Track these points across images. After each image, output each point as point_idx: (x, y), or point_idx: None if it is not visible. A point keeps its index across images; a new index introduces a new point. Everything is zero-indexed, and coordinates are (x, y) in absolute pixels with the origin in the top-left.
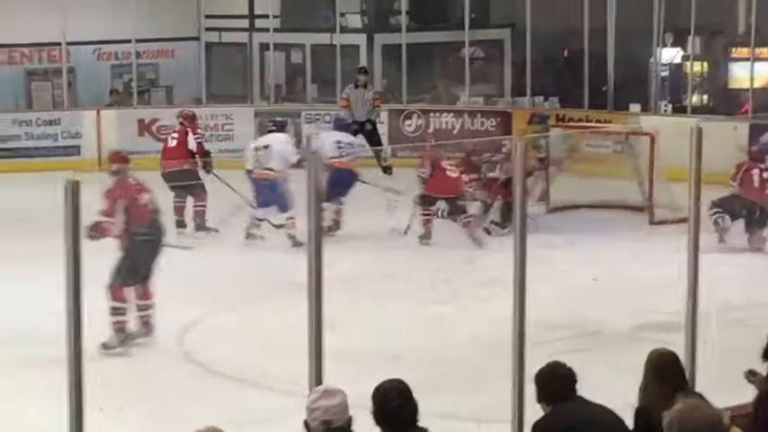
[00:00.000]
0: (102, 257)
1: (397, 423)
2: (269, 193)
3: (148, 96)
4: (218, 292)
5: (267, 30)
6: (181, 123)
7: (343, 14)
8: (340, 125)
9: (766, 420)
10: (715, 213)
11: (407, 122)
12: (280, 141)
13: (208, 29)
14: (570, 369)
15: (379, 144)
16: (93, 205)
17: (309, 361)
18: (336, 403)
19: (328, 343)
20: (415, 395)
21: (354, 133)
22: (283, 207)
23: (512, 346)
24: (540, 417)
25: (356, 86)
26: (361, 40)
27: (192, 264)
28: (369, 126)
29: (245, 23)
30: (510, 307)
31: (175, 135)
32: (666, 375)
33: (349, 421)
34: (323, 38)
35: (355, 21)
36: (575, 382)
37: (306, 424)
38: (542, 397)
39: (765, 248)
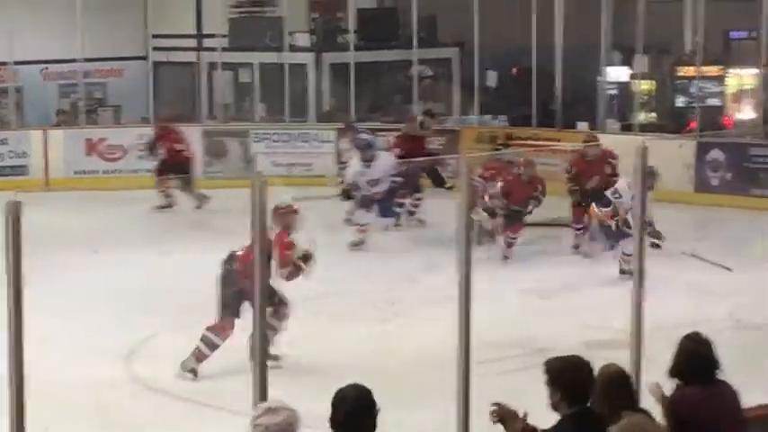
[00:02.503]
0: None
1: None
2: None
3: (96, 116)
4: (164, 311)
5: (215, 49)
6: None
7: (291, 33)
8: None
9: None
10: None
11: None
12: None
13: (156, 48)
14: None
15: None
16: (36, 224)
17: (254, 378)
18: (279, 421)
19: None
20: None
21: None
22: None
23: (457, 364)
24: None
25: (420, 126)
26: (308, 59)
27: (137, 283)
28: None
29: (193, 43)
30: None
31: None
32: (614, 392)
33: None
34: (271, 57)
35: (303, 39)
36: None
37: None
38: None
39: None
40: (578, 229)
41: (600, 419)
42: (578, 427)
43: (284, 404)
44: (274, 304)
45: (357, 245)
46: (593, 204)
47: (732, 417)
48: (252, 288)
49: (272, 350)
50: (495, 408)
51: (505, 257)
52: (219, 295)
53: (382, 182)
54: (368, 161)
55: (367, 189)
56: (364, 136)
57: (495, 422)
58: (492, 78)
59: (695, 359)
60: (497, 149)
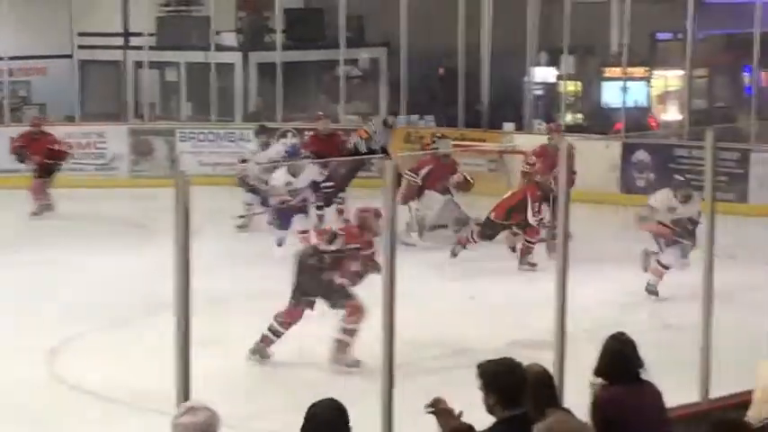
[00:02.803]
0: None
1: None
2: None
3: (21, 114)
4: (89, 311)
5: (141, 48)
6: None
7: (218, 33)
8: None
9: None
10: None
11: (282, 141)
12: None
13: (81, 46)
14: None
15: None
16: None
17: (177, 379)
18: (200, 421)
19: (198, 362)
20: (283, 415)
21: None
22: None
23: (381, 365)
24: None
25: (384, 125)
26: (236, 58)
27: (61, 284)
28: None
29: (119, 41)
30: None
31: None
32: (537, 391)
33: None
34: (197, 56)
35: (230, 39)
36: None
37: None
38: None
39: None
40: (531, 243)
41: (532, 423)
42: (513, 431)
43: (204, 404)
44: (350, 304)
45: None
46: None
47: (656, 416)
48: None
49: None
50: (433, 400)
51: (532, 264)
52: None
53: (304, 192)
54: (293, 171)
55: (280, 198)
56: (291, 141)
57: (427, 412)
58: None
59: (620, 359)
60: (433, 143)
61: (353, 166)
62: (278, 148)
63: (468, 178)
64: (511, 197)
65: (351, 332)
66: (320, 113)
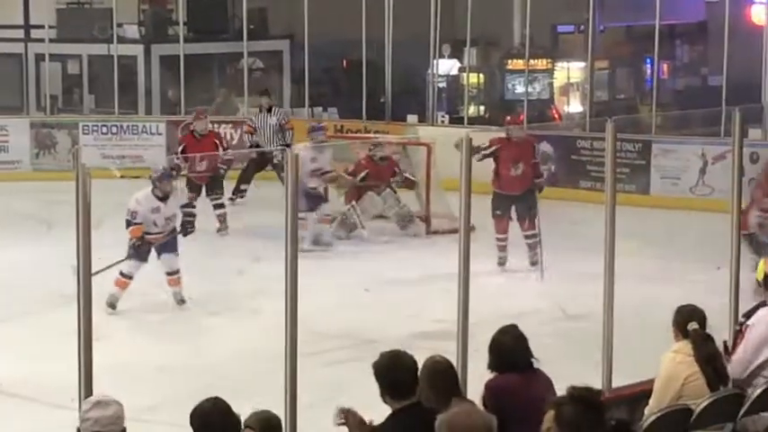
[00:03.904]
0: None
1: None
2: None
3: None
4: None
5: (43, 40)
6: None
7: (120, 25)
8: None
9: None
10: None
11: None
12: None
13: None
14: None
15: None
16: None
17: (79, 373)
18: (110, 414)
19: (99, 355)
20: (184, 407)
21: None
22: None
23: (284, 356)
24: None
25: (260, 111)
26: (138, 50)
27: None
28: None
29: (20, 33)
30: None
31: None
32: (440, 382)
33: None
34: (100, 48)
35: (132, 31)
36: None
37: None
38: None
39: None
40: (501, 240)
41: (428, 411)
42: (406, 420)
43: (111, 398)
44: None
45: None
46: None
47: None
48: None
49: None
50: (342, 411)
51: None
52: None
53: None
54: (163, 196)
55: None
56: (161, 166)
57: (338, 424)
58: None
59: (506, 352)
60: (370, 150)
61: (254, 161)
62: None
63: (412, 177)
64: None
65: None
66: (201, 110)
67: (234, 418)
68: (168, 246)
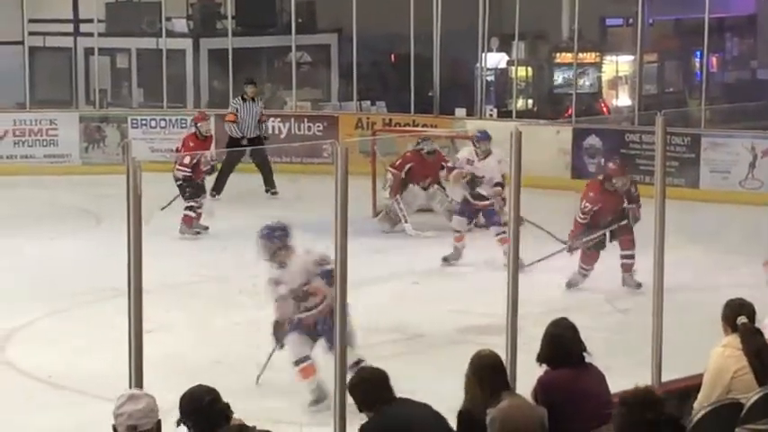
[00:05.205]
0: None
1: (207, 421)
2: None
3: None
4: (39, 298)
5: (92, 34)
6: None
7: (168, 19)
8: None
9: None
10: None
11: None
12: None
13: (32, 33)
14: (378, 370)
15: (266, 162)
16: None
17: (129, 366)
18: (142, 407)
19: (151, 348)
20: (237, 400)
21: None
22: None
23: (334, 352)
24: (364, 421)
25: (244, 99)
26: (187, 44)
27: (7, 269)
28: (258, 143)
29: (69, 28)
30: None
31: None
32: (488, 377)
33: (158, 425)
34: (149, 42)
35: (181, 25)
36: (387, 382)
37: (114, 429)
38: (363, 408)
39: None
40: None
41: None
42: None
43: (143, 391)
44: None
45: None
46: None
47: (599, 398)
48: None
49: None
50: None
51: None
52: None
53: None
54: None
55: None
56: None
57: None
58: None
59: (560, 344)
60: (417, 144)
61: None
62: None
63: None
64: None
65: None
66: (203, 112)
67: (221, 404)
68: None
